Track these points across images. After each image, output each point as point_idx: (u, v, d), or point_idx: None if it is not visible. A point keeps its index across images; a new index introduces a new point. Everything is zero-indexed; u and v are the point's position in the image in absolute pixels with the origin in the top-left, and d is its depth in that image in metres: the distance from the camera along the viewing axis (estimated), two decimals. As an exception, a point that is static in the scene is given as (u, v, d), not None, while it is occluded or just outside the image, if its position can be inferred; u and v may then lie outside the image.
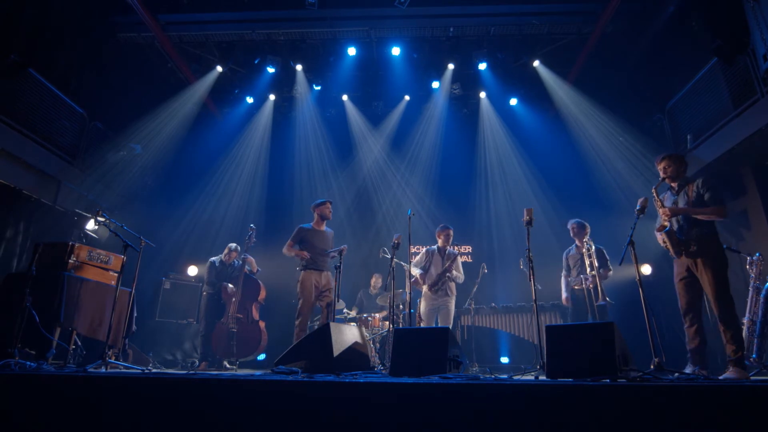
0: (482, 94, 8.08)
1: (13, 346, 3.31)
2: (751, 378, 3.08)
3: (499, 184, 8.29)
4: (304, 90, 7.97)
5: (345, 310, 6.26)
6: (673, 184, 3.69)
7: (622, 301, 5.28)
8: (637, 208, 3.52)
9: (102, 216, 3.94)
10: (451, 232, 5.46)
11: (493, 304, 6.12)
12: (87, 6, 6.32)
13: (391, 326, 4.59)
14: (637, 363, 2.83)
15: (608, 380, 2.40)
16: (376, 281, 6.80)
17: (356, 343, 3.64)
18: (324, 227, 5.18)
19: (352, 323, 5.60)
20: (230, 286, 5.62)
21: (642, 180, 6.43)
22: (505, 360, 6.94)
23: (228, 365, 5.49)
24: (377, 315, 5.94)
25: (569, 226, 5.29)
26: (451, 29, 6.91)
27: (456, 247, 5.56)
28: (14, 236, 5.68)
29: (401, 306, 5.81)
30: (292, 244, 5.02)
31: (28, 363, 3.09)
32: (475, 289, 6.02)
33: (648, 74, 7.00)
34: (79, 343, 4.12)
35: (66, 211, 6.35)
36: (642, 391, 1.80)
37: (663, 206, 3.58)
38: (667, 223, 3.52)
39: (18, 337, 3.37)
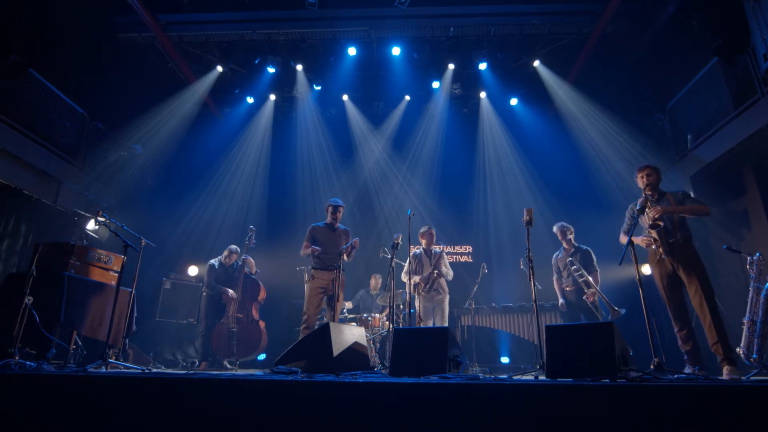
0: (482, 94, 8.09)
1: (14, 346, 3.31)
2: (751, 378, 3.08)
3: (500, 184, 8.28)
4: (305, 90, 7.97)
5: (345, 310, 6.26)
6: (651, 194, 3.78)
7: (622, 301, 5.29)
8: (638, 207, 3.53)
9: (102, 216, 3.94)
10: (433, 231, 5.57)
11: (493, 304, 6.12)
12: (87, 6, 6.32)
13: (391, 326, 4.59)
14: (637, 363, 2.83)
15: (608, 380, 2.40)
16: (375, 282, 6.80)
17: (356, 343, 3.64)
18: (336, 225, 5.16)
19: (353, 323, 5.61)
20: (230, 291, 5.62)
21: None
22: (505, 360, 6.93)
23: (228, 365, 5.49)
24: (377, 315, 5.95)
25: (554, 230, 5.40)
26: (452, 29, 6.91)
27: (440, 247, 5.60)
28: (15, 236, 5.68)
29: (401, 306, 5.82)
30: (307, 244, 5.04)
31: (28, 363, 3.09)
32: (475, 289, 6.02)
33: (648, 74, 6.99)
34: (80, 343, 4.12)
35: (66, 211, 6.35)
36: (642, 391, 1.80)
37: (651, 207, 3.62)
38: (661, 222, 3.56)
39: (18, 337, 3.37)
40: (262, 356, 6.50)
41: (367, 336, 4.88)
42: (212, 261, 5.98)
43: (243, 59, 7.42)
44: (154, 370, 3.80)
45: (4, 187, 5.42)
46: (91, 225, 6.17)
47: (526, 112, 8.14)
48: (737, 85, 5.21)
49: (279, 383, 2.09)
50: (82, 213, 6.44)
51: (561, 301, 5.27)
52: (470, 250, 8.17)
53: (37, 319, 3.46)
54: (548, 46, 7.14)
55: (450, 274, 5.41)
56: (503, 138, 8.28)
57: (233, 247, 6.10)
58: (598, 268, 5.10)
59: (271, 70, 7.27)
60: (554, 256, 5.41)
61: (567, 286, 5.17)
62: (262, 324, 5.77)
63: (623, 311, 4.67)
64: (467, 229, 8.22)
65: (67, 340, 3.90)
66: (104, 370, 3.34)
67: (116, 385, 2.13)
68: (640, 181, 3.88)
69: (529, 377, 2.88)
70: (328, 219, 5.17)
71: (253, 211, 8.30)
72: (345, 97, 8.25)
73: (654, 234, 3.61)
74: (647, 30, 6.51)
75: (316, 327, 4.46)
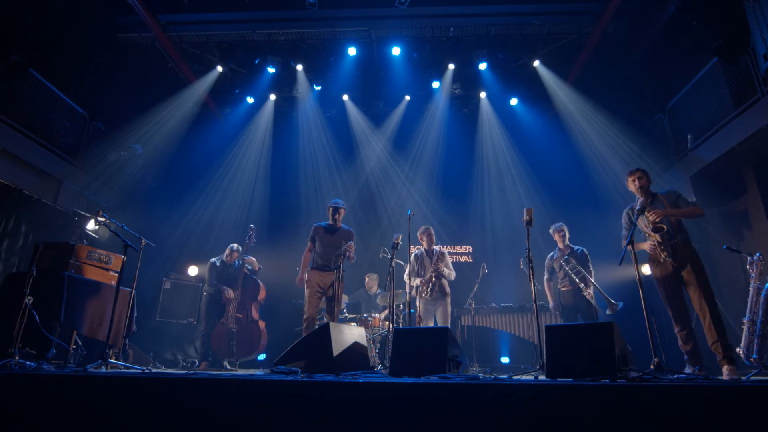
0: (482, 94, 8.08)
1: (14, 346, 3.31)
2: (751, 378, 3.08)
3: (500, 185, 8.28)
4: (305, 90, 7.98)
5: (345, 310, 6.26)
6: (643, 198, 3.78)
7: (622, 301, 5.30)
8: (638, 208, 3.54)
9: (102, 216, 3.94)
10: (432, 231, 5.45)
11: (493, 304, 6.12)
12: (87, 6, 6.32)
13: (391, 326, 4.59)
14: (637, 363, 2.83)
15: (608, 380, 2.39)
16: (370, 281, 6.79)
17: (356, 343, 3.64)
18: (338, 225, 5.11)
19: (353, 323, 5.61)
20: (229, 290, 5.62)
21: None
22: (505, 360, 6.93)
23: (228, 365, 5.49)
24: (377, 315, 5.95)
25: (550, 231, 5.42)
26: (452, 29, 6.90)
27: (441, 246, 5.55)
28: (15, 236, 5.69)
29: (401, 306, 5.81)
30: (310, 245, 5.04)
31: (28, 363, 3.09)
32: (475, 289, 6.02)
33: (648, 74, 6.99)
34: (80, 343, 4.12)
35: (66, 211, 6.35)
36: (641, 391, 1.80)
37: (650, 211, 3.63)
38: (664, 225, 3.57)
39: (18, 337, 3.37)
40: (262, 356, 6.51)
41: (367, 336, 4.88)
42: (213, 259, 6.00)
43: (243, 59, 7.42)
44: (154, 370, 3.80)
45: (4, 187, 5.42)
46: (91, 225, 6.17)
47: (526, 112, 8.14)
48: (737, 85, 5.21)
49: (279, 383, 2.09)
50: (82, 213, 6.44)
51: (552, 303, 5.27)
52: (470, 250, 8.17)
53: (37, 319, 3.47)
54: (548, 46, 7.14)
55: (452, 275, 5.28)
56: (503, 138, 8.28)
57: (234, 245, 6.11)
58: (593, 269, 5.09)
59: (271, 70, 7.28)
60: (548, 256, 5.40)
61: (563, 287, 5.16)
62: (262, 324, 5.77)
63: (621, 304, 4.67)
64: (467, 229, 8.22)
65: (67, 340, 3.90)
66: (104, 370, 3.34)
67: (116, 385, 2.13)
68: (632, 185, 3.89)
69: (529, 377, 2.88)
70: (330, 220, 5.15)
71: (254, 211, 8.30)
72: (345, 97, 8.25)
73: (657, 237, 3.61)
74: (647, 30, 6.51)
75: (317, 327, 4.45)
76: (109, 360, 3.46)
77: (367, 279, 6.84)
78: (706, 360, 3.58)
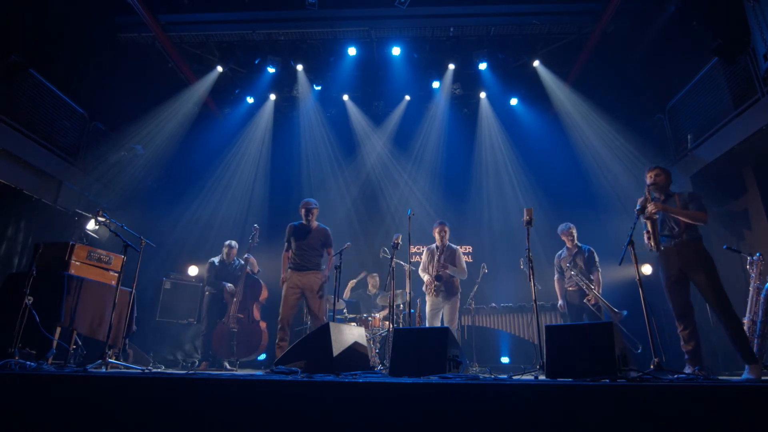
0: (482, 94, 8.08)
1: (13, 346, 3.31)
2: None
3: (500, 184, 8.28)
4: (305, 90, 7.97)
5: (344, 310, 6.26)
6: (658, 195, 3.77)
7: (622, 302, 5.30)
8: (637, 207, 3.54)
9: (102, 216, 3.94)
10: (446, 227, 5.33)
11: (493, 304, 6.11)
12: (87, 6, 6.32)
13: (391, 326, 4.59)
14: (637, 363, 2.83)
15: (608, 380, 2.39)
16: (374, 281, 6.79)
17: (356, 343, 3.64)
18: (312, 225, 4.95)
19: (353, 323, 5.61)
20: (230, 285, 5.62)
21: (641, 181, 6.41)
22: (505, 360, 6.93)
23: (228, 365, 5.49)
24: (377, 315, 5.94)
25: (558, 231, 5.41)
26: (452, 29, 6.90)
27: (459, 247, 5.51)
28: (15, 236, 5.68)
29: (401, 306, 5.81)
30: (287, 246, 4.94)
31: (28, 363, 3.09)
32: (475, 289, 6.02)
33: (648, 74, 6.99)
34: (80, 343, 4.12)
35: (66, 210, 6.35)
36: (641, 391, 1.80)
37: (651, 203, 3.64)
38: (656, 216, 3.57)
39: (18, 337, 3.37)
40: (262, 356, 6.50)
41: (367, 336, 4.88)
42: (212, 259, 6.00)
43: (243, 59, 7.42)
44: (154, 370, 3.80)
45: (4, 187, 5.42)
46: (91, 225, 6.17)
47: (526, 113, 8.14)
48: (737, 85, 5.21)
49: (279, 383, 2.09)
50: (82, 213, 6.44)
51: (560, 302, 5.27)
52: (470, 250, 8.17)
53: (37, 319, 3.46)
54: (548, 46, 7.13)
55: (462, 274, 5.14)
56: (503, 138, 8.28)
57: (232, 242, 6.08)
58: (600, 268, 5.11)
59: (271, 70, 7.27)
60: (557, 255, 5.41)
61: (570, 287, 5.18)
62: (263, 324, 5.77)
63: (624, 313, 4.66)
64: (467, 228, 8.21)
65: (67, 340, 3.90)
66: (104, 370, 3.34)
67: (116, 385, 2.13)
68: (648, 180, 3.84)
69: (529, 377, 2.88)
70: (303, 220, 4.99)
71: (254, 211, 8.29)
72: (345, 97, 8.24)
73: (649, 225, 3.62)
74: (647, 30, 6.51)
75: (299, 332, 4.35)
76: (109, 360, 3.46)
77: (370, 279, 6.83)
78: (707, 360, 3.58)
